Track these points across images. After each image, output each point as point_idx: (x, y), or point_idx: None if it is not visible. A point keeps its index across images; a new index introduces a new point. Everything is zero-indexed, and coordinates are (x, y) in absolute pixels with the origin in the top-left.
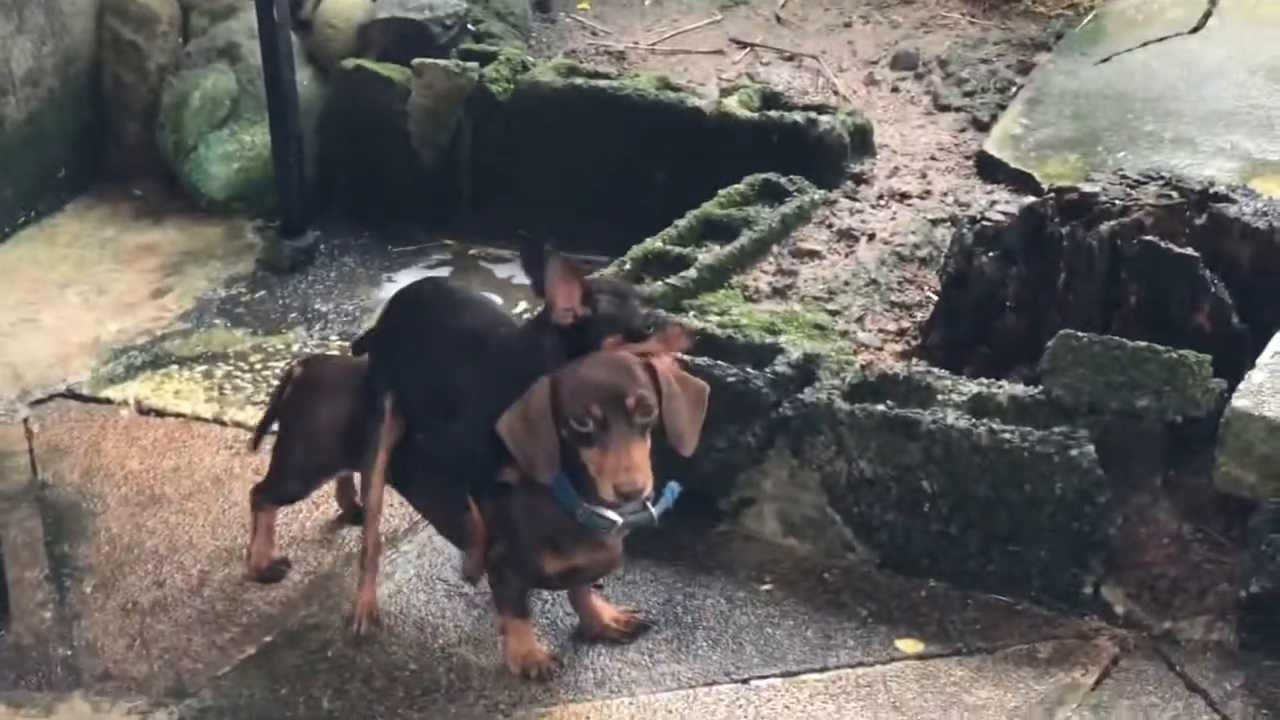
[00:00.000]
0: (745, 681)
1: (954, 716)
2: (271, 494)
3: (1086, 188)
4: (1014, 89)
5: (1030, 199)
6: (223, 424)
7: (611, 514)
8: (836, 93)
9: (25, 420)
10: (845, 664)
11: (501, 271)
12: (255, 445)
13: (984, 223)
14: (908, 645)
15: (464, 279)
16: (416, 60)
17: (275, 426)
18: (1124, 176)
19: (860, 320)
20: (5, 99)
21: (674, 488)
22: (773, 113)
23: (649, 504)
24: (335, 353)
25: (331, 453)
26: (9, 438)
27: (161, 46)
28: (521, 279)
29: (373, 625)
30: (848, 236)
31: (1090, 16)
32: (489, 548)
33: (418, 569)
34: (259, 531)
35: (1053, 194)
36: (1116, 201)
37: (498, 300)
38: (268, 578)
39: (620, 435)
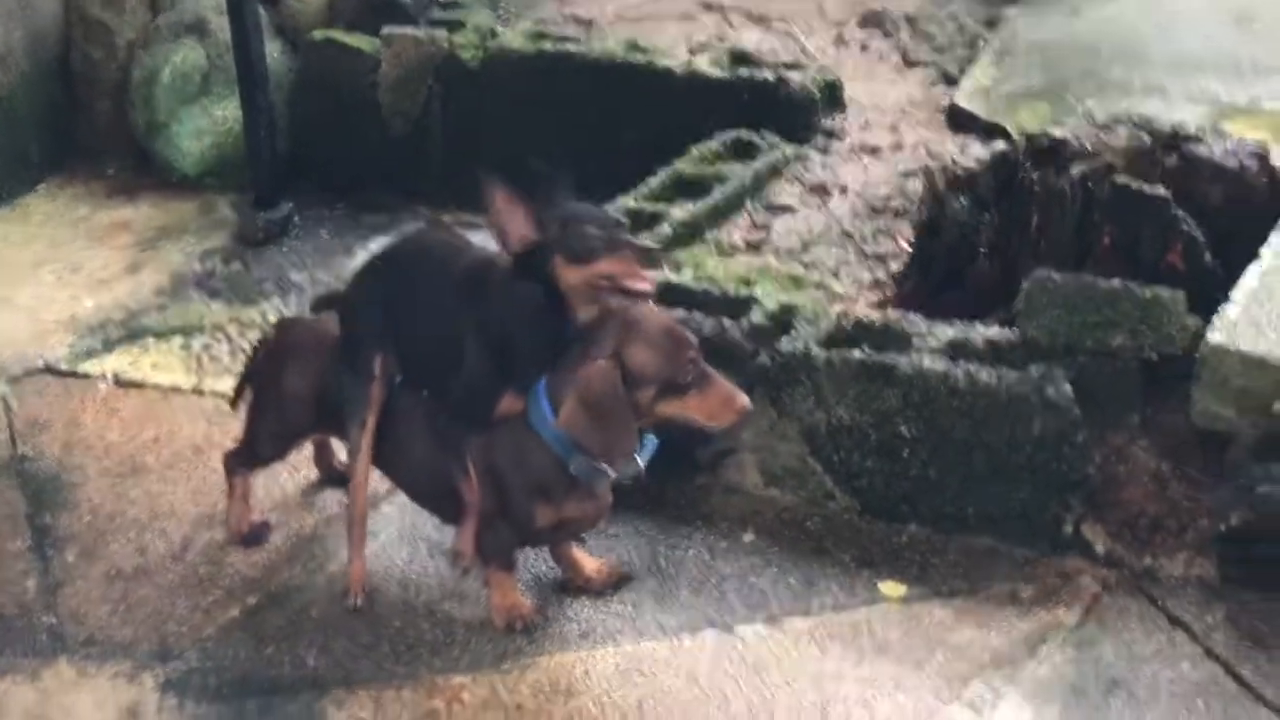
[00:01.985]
0: (729, 628)
1: (938, 657)
2: (245, 458)
3: (1057, 133)
4: (982, 43)
5: (1001, 145)
6: (201, 394)
7: (605, 466)
8: (806, 52)
9: (3, 397)
10: (829, 608)
11: (475, 238)
12: (234, 405)
13: (956, 170)
14: (890, 589)
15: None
16: (385, 30)
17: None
18: (1094, 121)
19: (835, 272)
20: None
21: (651, 438)
22: (743, 71)
23: (636, 456)
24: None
25: (303, 416)
26: None
27: (130, 23)
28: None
29: (365, 595)
30: (820, 190)
31: None
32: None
33: (399, 527)
34: (235, 496)
35: (1024, 139)
36: (1087, 145)
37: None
38: (249, 541)
39: (707, 370)
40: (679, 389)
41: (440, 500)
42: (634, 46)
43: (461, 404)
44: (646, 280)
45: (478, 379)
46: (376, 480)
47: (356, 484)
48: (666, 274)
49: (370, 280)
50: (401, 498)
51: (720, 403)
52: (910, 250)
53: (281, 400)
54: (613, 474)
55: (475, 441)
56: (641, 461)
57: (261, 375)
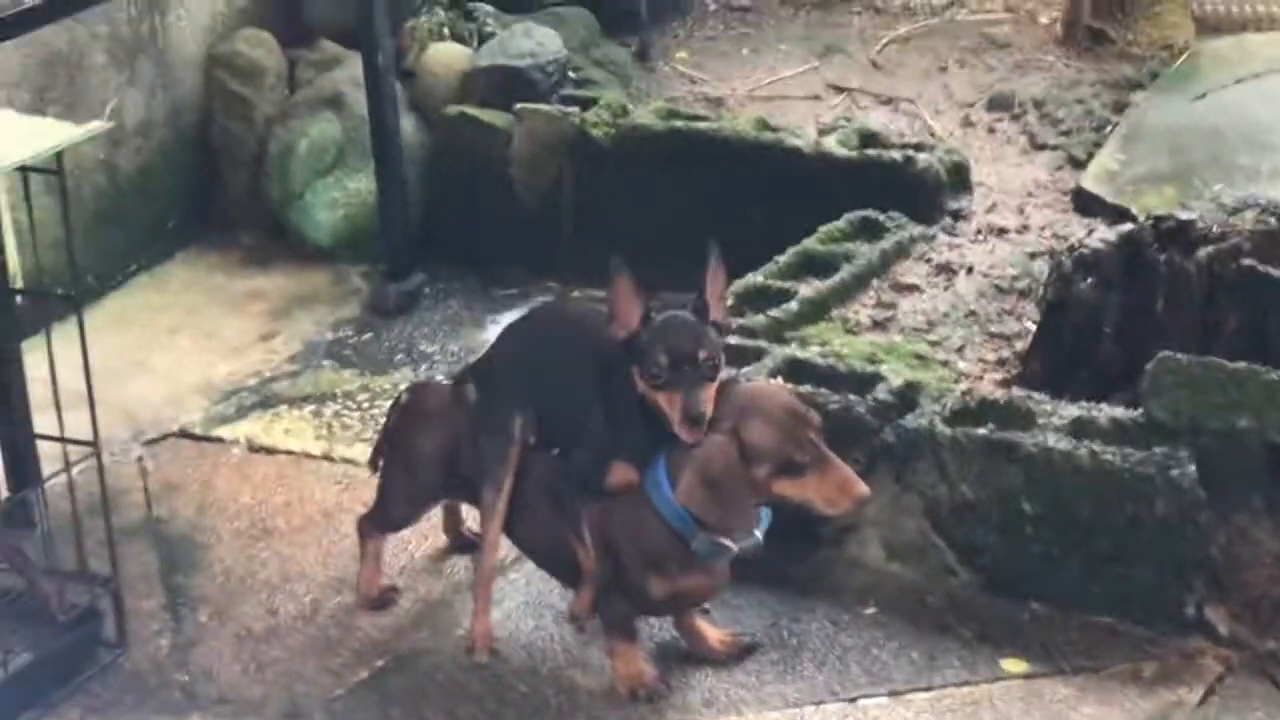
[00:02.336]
0: (852, 700)
1: None
2: (378, 521)
3: (1184, 215)
4: (1110, 127)
5: (1129, 226)
6: (332, 460)
7: (726, 540)
8: (933, 134)
9: (139, 459)
10: (951, 683)
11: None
12: (373, 467)
13: (1082, 250)
14: (1012, 665)
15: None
16: (519, 105)
17: None
18: (1221, 204)
19: (960, 350)
20: (118, 149)
21: (767, 511)
22: (870, 151)
23: (754, 530)
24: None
25: (435, 479)
26: (124, 476)
27: (269, 98)
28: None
29: (490, 653)
30: (946, 270)
31: (1185, 56)
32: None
33: (526, 595)
34: (367, 559)
35: (1151, 221)
36: (1214, 228)
37: None
38: (378, 605)
39: (826, 453)
40: (796, 469)
41: (562, 565)
42: (764, 125)
43: (580, 470)
44: (689, 432)
45: (596, 447)
46: (504, 547)
47: (489, 543)
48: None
49: (511, 344)
50: (529, 566)
51: (837, 487)
52: (1036, 330)
53: (414, 463)
54: (734, 549)
55: (594, 511)
56: (759, 534)
57: (395, 438)
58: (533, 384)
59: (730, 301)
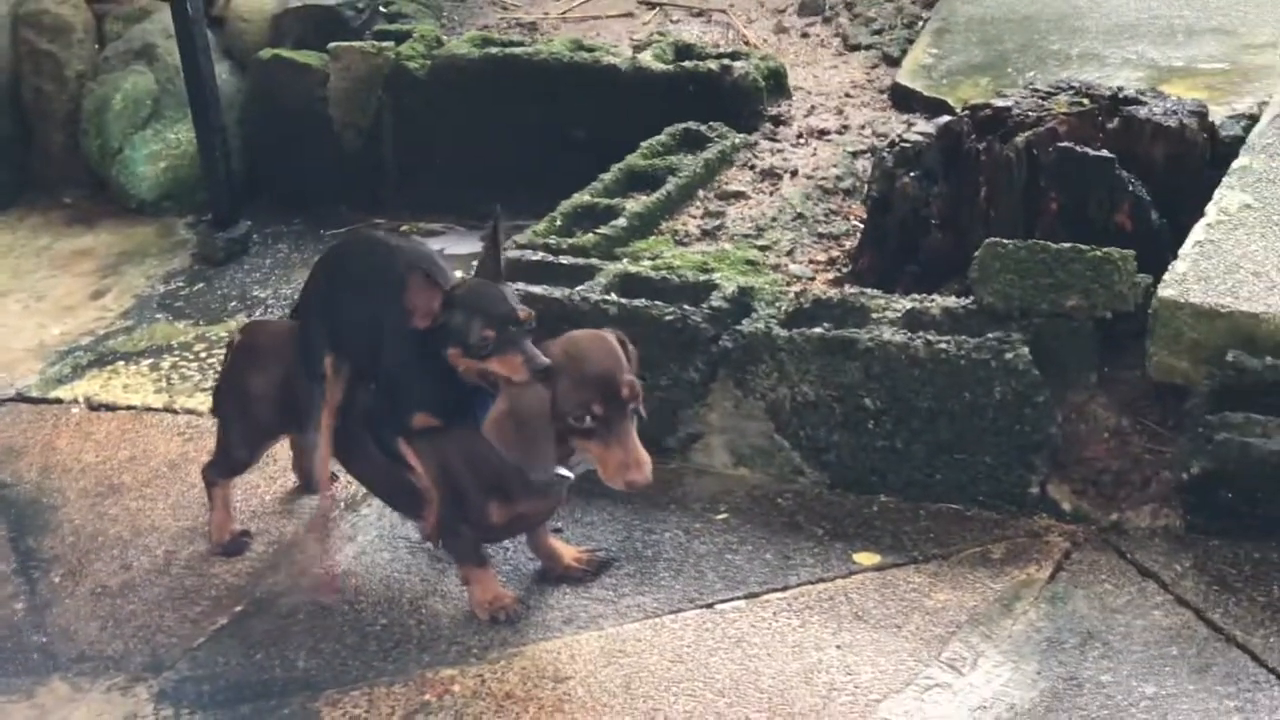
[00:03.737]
0: (710, 606)
1: (915, 620)
2: (220, 466)
3: (999, 102)
4: (921, 23)
5: (946, 118)
6: (174, 412)
7: (564, 470)
8: (748, 42)
9: None
10: (806, 581)
11: (434, 244)
12: (214, 412)
13: (903, 144)
14: (865, 558)
15: None
16: (332, 44)
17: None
18: (1035, 90)
19: (790, 253)
20: None
21: None
22: (687, 63)
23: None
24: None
25: (270, 416)
26: None
27: (79, 54)
28: (452, 249)
29: (335, 593)
30: (771, 175)
31: None
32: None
33: (379, 529)
34: (216, 506)
35: (967, 111)
36: (1030, 113)
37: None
38: (231, 551)
39: (622, 429)
40: (584, 433)
41: (399, 496)
42: (579, 46)
43: (382, 412)
44: (525, 374)
45: (393, 387)
46: (355, 483)
47: (319, 481)
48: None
49: (315, 282)
50: (380, 501)
51: (619, 464)
52: (863, 227)
53: (248, 402)
54: (571, 477)
55: (430, 442)
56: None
57: (230, 377)
58: (337, 318)
59: (559, 222)
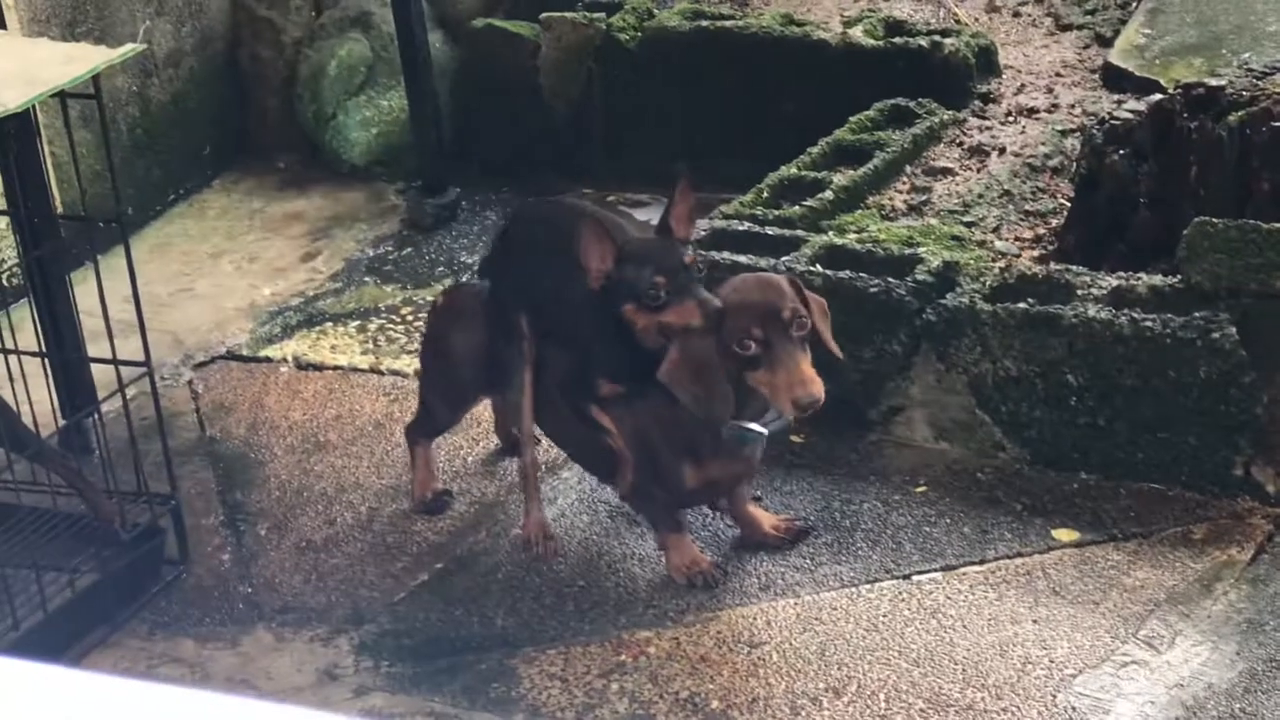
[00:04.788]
0: (906, 577)
1: (1113, 597)
2: (422, 427)
3: (1212, 81)
4: (1135, 3)
5: (1158, 96)
6: (380, 373)
7: (756, 426)
8: (958, 20)
9: (190, 382)
10: (1003, 555)
11: (640, 215)
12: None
13: (1113, 122)
14: (1063, 534)
15: None
16: (544, 14)
17: None
18: (1249, 70)
19: (996, 230)
20: (149, 80)
21: None
22: (897, 39)
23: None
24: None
25: (470, 378)
26: (176, 399)
27: (295, 20)
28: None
29: (550, 542)
30: (979, 152)
31: None
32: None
33: (578, 493)
34: (418, 465)
35: (1179, 90)
36: (1244, 93)
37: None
38: (432, 509)
39: (785, 351)
40: (750, 361)
41: (592, 456)
42: (789, 20)
43: (569, 377)
44: (700, 318)
45: (579, 355)
46: (555, 447)
47: (523, 440)
48: (830, 238)
49: (502, 244)
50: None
51: (786, 384)
52: (1071, 205)
53: (449, 364)
54: (764, 433)
55: (623, 406)
56: (789, 417)
57: (432, 340)
58: (524, 280)
59: (765, 194)
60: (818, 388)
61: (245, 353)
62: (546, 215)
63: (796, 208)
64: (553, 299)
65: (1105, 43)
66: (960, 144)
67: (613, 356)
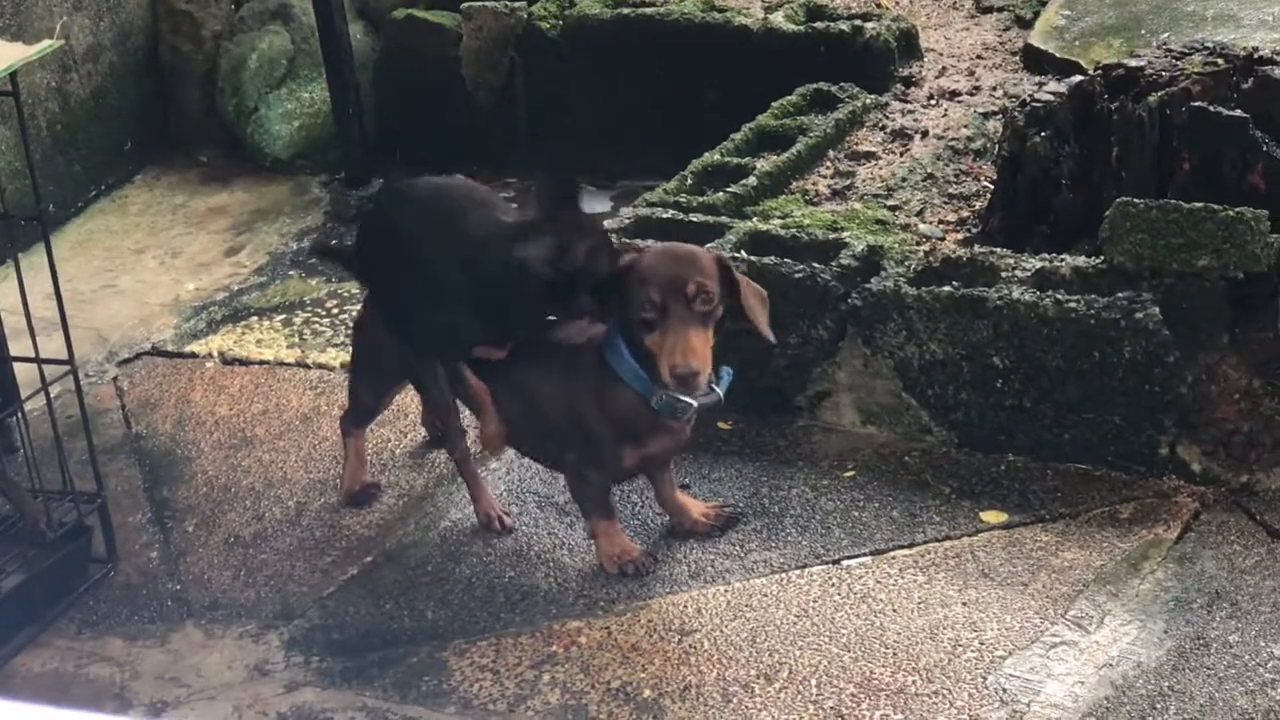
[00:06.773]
0: (836, 562)
1: (1042, 578)
2: (353, 416)
3: (1132, 62)
4: None
5: (1078, 78)
6: (306, 367)
7: (686, 398)
8: (879, 4)
9: (114, 379)
10: (932, 538)
11: None
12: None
13: (1034, 104)
14: (992, 516)
15: None
16: (465, 4)
17: None
18: (1169, 50)
19: (920, 213)
20: (68, 76)
21: (728, 370)
22: (818, 24)
23: (714, 387)
24: None
25: (393, 362)
26: (101, 396)
27: (214, 13)
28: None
29: (507, 517)
30: (901, 136)
31: None
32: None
33: (508, 484)
34: (350, 456)
35: (1099, 71)
36: (1163, 73)
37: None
38: (360, 502)
39: (678, 320)
40: (646, 324)
41: (535, 443)
42: (710, 6)
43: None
44: None
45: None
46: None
47: (451, 434)
48: (754, 224)
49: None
50: (508, 454)
51: (666, 353)
52: (993, 187)
53: (372, 349)
54: (694, 404)
55: (558, 390)
56: (720, 391)
57: (358, 324)
58: (408, 267)
59: (690, 181)
60: (697, 361)
61: (170, 348)
62: (403, 198)
63: (720, 194)
64: (430, 275)
65: (1025, 25)
66: (883, 128)
67: (491, 319)
